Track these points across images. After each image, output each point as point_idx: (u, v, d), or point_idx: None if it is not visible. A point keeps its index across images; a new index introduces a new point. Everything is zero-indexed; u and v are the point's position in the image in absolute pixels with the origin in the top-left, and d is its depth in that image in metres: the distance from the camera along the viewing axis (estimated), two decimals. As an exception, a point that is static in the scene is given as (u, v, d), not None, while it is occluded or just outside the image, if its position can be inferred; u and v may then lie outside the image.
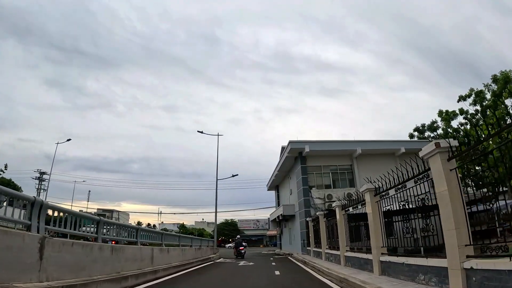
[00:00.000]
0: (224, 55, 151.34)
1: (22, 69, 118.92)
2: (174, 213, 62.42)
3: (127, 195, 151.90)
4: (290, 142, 25.70)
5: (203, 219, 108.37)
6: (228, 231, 75.41)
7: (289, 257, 24.19)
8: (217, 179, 27.21)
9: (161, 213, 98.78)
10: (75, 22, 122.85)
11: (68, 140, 39.96)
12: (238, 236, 32.05)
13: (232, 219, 78.76)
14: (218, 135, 29.69)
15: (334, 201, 23.78)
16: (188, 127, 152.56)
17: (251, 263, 18.31)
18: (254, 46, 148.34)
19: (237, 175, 26.88)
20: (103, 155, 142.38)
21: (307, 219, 21.92)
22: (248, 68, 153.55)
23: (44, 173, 64.11)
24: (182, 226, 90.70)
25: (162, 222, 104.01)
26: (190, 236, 20.28)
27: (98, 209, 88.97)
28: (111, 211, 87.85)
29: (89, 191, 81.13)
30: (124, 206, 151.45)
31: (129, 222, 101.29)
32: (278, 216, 31.86)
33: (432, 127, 32.64)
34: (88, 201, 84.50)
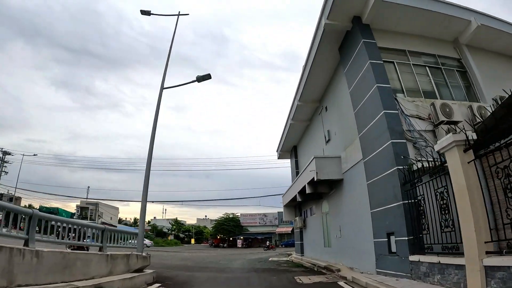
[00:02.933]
0: (232, 54, 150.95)
1: (30, 70, 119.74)
2: (153, 202, 46.94)
3: (136, 194, 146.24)
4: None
5: (206, 216, 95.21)
6: (228, 227, 59.64)
7: None
8: (163, 82, 11.51)
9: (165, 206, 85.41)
10: (83, 23, 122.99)
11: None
12: None
13: (233, 213, 62.99)
14: (178, 14, 13.99)
15: (459, 121, 7.98)
16: (197, 126, 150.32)
17: None
18: (263, 45, 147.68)
19: (209, 76, 11.01)
20: (112, 155, 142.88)
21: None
22: (256, 67, 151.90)
23: (7, 153, 50.52)
24: (176, 222, 75.60)
25: (154, 217, 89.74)
26: None
27: (81, 201, 75.85)
28: (96, 204, 73.16)
29: (88, 187, 68.57)
30: (132, 206, 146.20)
31: (119, 218, 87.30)
32: (301, 192, 15.90)
33: None
34: (87, 197, 71.94)
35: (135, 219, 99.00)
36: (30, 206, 65.56)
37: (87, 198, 70.79)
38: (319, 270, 12.67)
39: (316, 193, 14.53)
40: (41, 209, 64.27)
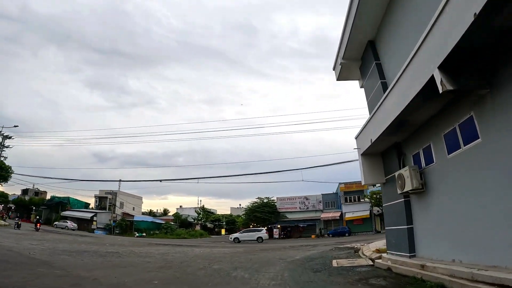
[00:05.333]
0: (262, 44, 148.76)
1: (64, 74, 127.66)
2: (161, 181, 37.78)
3: (173, 188, 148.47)
4: None
5: (240, 204, 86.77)
6: (262, 214, 49.19)
7: None
8: None
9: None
10: (111, 24, 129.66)
11: None
12: None
13: (268, 198, 52.46)
14: None
15: None
16: (231, 118, 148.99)
17: None
18: (292, 33, 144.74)
19: None
20: (149, 150, 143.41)
21: None
22: (288, 56, 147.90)
23: (8, 137, 43.68)
24: (202, 210, 66.53)
25: (180, 206, 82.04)
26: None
27: (100, 190, 69.84)
28: (114, 193, 65.83)
29: (120, 180, 63.12)
30: (170, 199, 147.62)
31: (149, 209, 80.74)
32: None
33: None
34: (119, 189, 65.82)
35: (164, 210, 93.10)
36: (52, 198, 59.97)
37: (119, 186, 65.31)
38: None
39: None
40: (53, 199, 58.31)
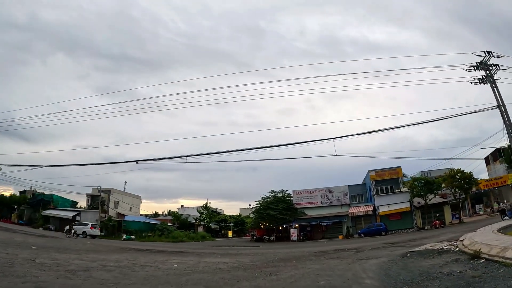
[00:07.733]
0: (270, 46, 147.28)
1: (73, 80, 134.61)
2: (137, 162, 29.89)
3: (183, 191, 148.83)
4: None
5: (250, 205, 78.93)
6: (276, 212, 40.35)
7: None
8: None
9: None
10: (120, 30, 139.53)
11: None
12: None
13: (282, 191, 43.62)
14: None
15: None
16: (240, 121, 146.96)
17: None
18: (300, 34, 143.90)
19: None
20: (159, 154, 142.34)
21: None
22: (296, 57, 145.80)
23: None
24: (205, 208, 58.19)
25: (182, 206, 74.25)
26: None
27: (93, 188, 62.79)
28: (108, 191, 58.12)
29: (125, 182, 59.75)
30: (181, 202, 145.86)
31: (140, 209, 73.58)
32: None
33: None
34: (124, 189, 60.23)
35: (169, 211, 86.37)
36: (36, 195, 53.67)
37: (124, 187, 59.73)
38: None
39: None
40: (36, 196, 51.36)
